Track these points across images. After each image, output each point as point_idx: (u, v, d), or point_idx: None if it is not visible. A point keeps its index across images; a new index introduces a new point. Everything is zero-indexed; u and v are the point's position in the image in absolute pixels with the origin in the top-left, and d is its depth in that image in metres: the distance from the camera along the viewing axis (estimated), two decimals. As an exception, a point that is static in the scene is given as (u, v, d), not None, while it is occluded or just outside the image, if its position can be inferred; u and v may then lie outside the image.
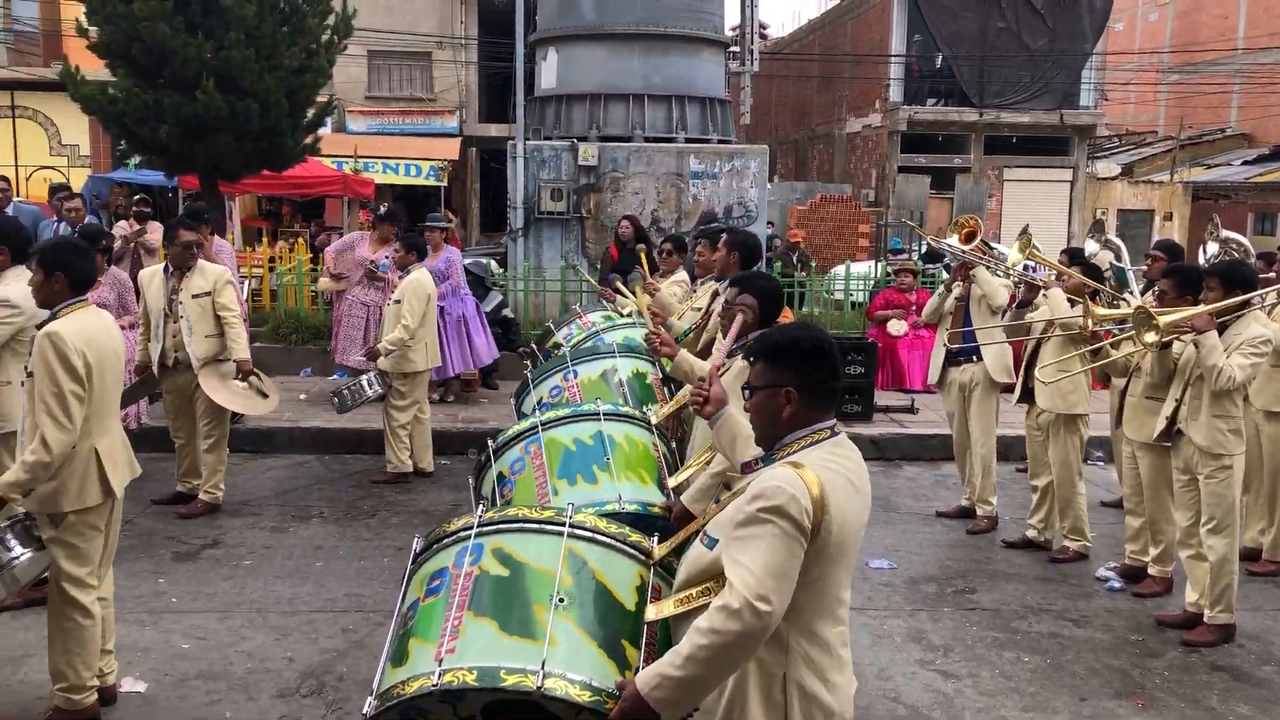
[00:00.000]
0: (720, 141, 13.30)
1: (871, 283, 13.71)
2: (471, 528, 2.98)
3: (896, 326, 11.34)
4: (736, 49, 15.09)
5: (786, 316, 11.19)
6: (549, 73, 13.62)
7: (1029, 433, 6.84)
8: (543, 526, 2.96)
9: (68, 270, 4.14)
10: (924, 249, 16.84)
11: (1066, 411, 6.41)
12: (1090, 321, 5.91)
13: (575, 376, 5.44)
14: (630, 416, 4.45)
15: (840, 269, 13.89)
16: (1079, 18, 25.84)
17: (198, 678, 4.72)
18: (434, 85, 27.44)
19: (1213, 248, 7.90)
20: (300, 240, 17.11)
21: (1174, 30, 37.52)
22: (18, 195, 17.77)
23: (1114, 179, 30.21)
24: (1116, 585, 6.11)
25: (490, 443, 4.33)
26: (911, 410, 9.92)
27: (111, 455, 4.23)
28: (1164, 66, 35.34)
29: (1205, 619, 5.38)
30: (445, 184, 24.76)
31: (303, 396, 9.93)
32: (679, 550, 2.95)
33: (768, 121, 35.82)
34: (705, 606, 2.52)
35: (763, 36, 31.18)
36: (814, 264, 14.52)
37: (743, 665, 2.52)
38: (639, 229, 10.41)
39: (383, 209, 11.16)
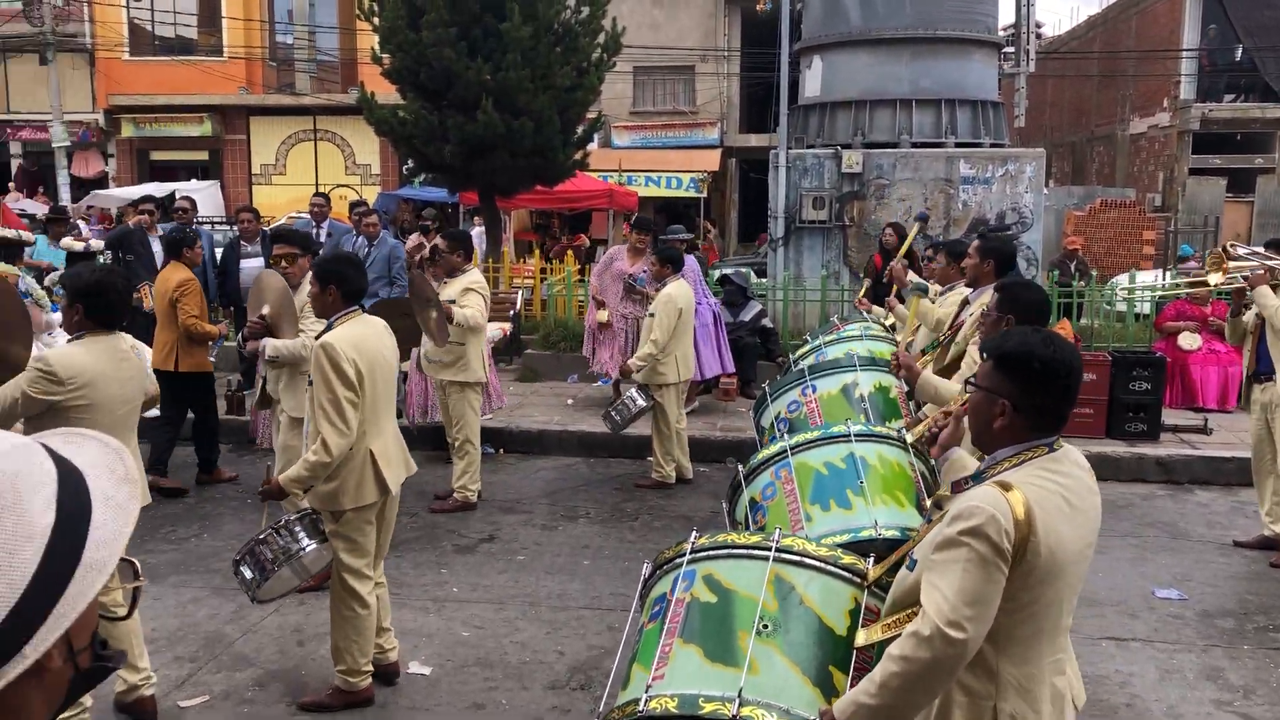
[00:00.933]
0: (993, 145, 12.79)
1: (1158, 293, 12.79)
2: (684, 555, 3.01)
3: (1189, 340, 10.51)
4: (1010, 49, 14.47)
5: (1064, 329, 10.64)
6: (813, 80, 13.54)
7: None
8: (750, 552, 2.94)
9: (341, 283, 4.48)
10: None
11: None
12: None
13: (814, 391, 5.33)
14: (883, 436, 4.27)
15: (1123, 278, 13.04)
16: (1407, -2, 23.17)
17: (476, 664, 4.99)
18: (696, 98, 27.88)
19: None
20: (569, 253, 17.79)
21: None
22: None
23: None
24: None
25: (740, 467, 4.28)
26: (1204, 430, 9.16)
27: (386, 455, 4.52)
28: None
29: None
30: (705, 195, 25.11)
31: (570, 401, 10.31)
32: (897, 569, 2.83)
33: (1042, 123, 34.14)
34: None
35: (1038, 36, 29.77)
36: (1094, 273, 13.70)
37: (939, 692, 2.40)
38: (902, 237, 10.14)
39: (634, 217, 11.30)
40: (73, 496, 1.09)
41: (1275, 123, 23.98)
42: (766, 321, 11.23)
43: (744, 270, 12.86)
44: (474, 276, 7.24)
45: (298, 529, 4.39)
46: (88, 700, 3.96)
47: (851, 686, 2.59)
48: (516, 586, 5.97)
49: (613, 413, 7.74)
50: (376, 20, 12.96)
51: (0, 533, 1.01)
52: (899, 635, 2.48)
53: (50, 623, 1.03)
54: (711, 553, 2.98)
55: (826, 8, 13.36)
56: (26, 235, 8.86)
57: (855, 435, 4.16)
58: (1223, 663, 5.08)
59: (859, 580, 2.89)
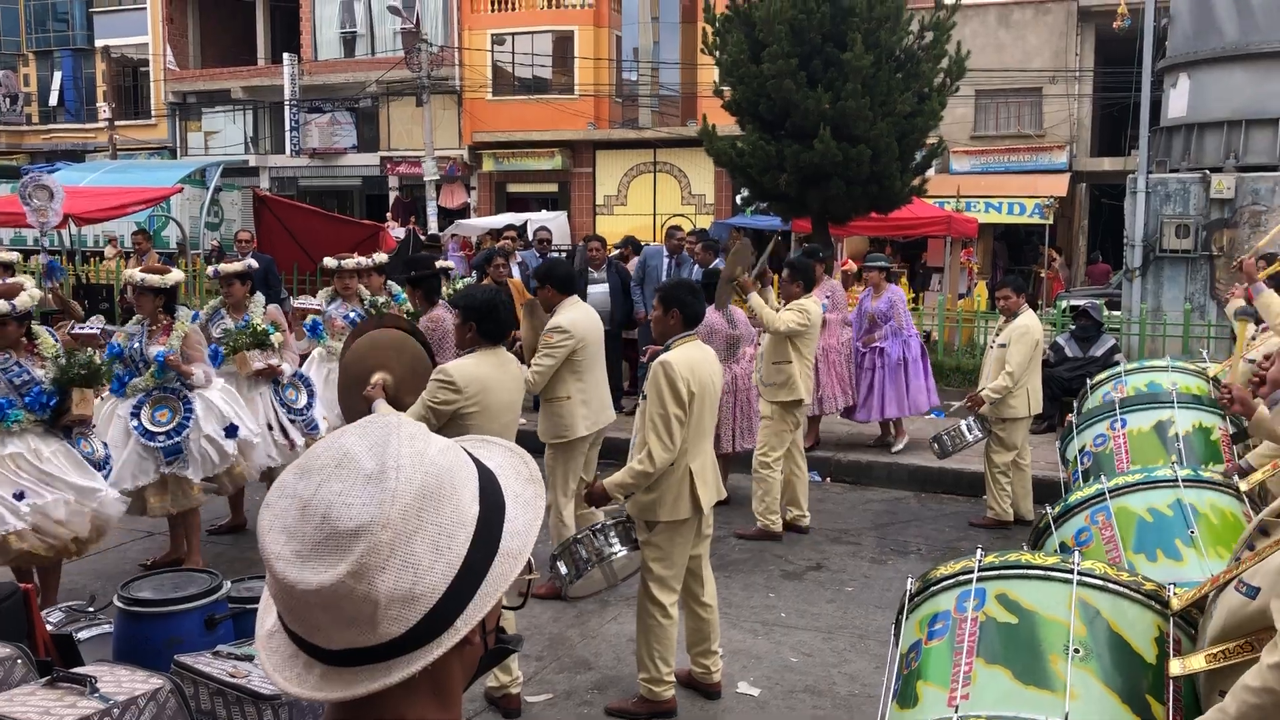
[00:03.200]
0: None
1: None
2: (972, 571, 2.91)
3: None
4: None
5: None
6: (1178, 100, 12.57)
7: None
8: (1048, 573, 2.84)
9: (682, 308, 4.68)
10: None
11: None
12: None
13: (1123, 426, 4.95)
14: (1215, 482, 3.88)
15: None
16: None
17: (804, 691, 4.99)
18: (1043, 121, 26.59)
19: None
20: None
21: None
22: (654, 240, 20.27)
23: None
24: None
25: (1049, 509, 4.00)
26: None
27: (703, 475, 4.68)
28: None
29: None
30: (1050, 221, 23.85)
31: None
32: (1199, 602, 2.66)
33: None
34: (1244, 663, 2.32)
35: None
36: None
37: None
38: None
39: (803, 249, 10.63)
40: (492, 492, 1.22)
41: None
42: (1119, 357, 10.50)
43: (1097, 302, 12.08)
44: (801, 302, 7.27)
45: (612, 534, 4.63)
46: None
47: (1171, 717, 2.51)
48: (845, 617, 5.93)
49: (944, 436, 7.53)
50: (719, 54, 13.37)
51: (440, 518, 1.15)
52: (1227, 666, 2.40)
53: (477, 601, 1.17)
54: (1004, 572, 2.90)
55: (1197, 21, 12.38)
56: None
57: (1183, 480, 3.81)
58: None
59: (1162, 608, 2.77)
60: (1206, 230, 11.38)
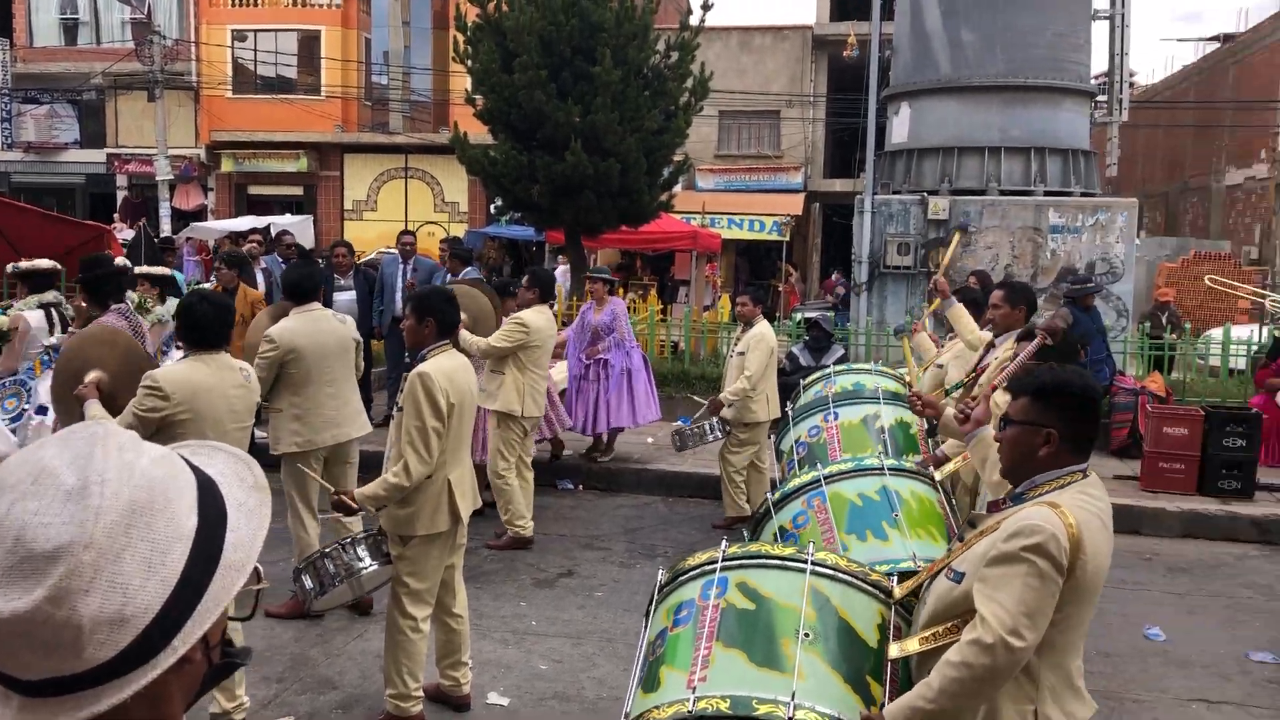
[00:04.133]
0: (1083, 194, 12.65)
1: (1254, 348, 12.45)
2: (716, 561, 3.08)
3: (1287, 397, 10.20)
4: (1103, 98, 14.32)
5: (1154, 382, 10.40)
6: (900, 127, 13.54)
7: None
8: (785, 563, 3.04)
9: (438, 317, 4.62)
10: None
11: None
12: None
13: (835, 419, 5.41)
14: (915, 472, 4.36)
15: (1216, 332, 12.73)
16: None
17: (554, 698, 5.03)
18: (781, 142, 28.00)
19: None
20: (651, 292, 17.95)
21: None
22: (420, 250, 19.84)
23: None
24: None
25: (770, 495, 4.30)
26: (1303, 491, 8.89)
27: (461, 486, 4.64)
28: None
29: None
30: (787, 239, 25.13)
31: (650, 440, 10.36)
32: (918, 590, 2.96)
33: (1134, 174, 33.58)
34: (951, 643, 2.58)
35: (1131, 85, 29.37)
36: (1186, 326, 13.40)
37: (989, 699, 2.55)
38: (986, 285, 10.06)
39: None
40: (211, 502, 1.17)
41: (1380, 176, 23.30)
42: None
43: (829, 314, 12.84)
44: (519, 315, 7.27)
45: (361, 548, 4.51)
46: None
47: (889, 697, 2.72)
48: (594, 622, 6.02)
49: (687, 432, 7.82)
50: (470, 63, 13.30)
51: (153, 534, 1.09)
52: (937, 648, 2.65)
53: (195, 619, 1.11)
54: (745, 561, 3.08)
55: (916, 55, 13.38)
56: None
57: (888, 469, 4.23)
58: (1320, 731, 4.92)
59: (885, 597, 3.02)
60: (924, 248, 12.32)
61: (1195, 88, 29.97)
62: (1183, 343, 12.25)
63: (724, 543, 3.19)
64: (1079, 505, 2.62)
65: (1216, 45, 29.79)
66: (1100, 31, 13.81)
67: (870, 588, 3.03)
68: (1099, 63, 14.28)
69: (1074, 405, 2.71)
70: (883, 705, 2.68)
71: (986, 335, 6.06)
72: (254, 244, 10.30)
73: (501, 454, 7.29)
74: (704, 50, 14.67)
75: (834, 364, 10.64)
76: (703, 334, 13.01)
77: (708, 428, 7.79)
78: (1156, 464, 9.01)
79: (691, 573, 3.15)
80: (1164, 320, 13.58)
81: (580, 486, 9.15)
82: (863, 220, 12.59)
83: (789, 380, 9.91)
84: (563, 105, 12.59)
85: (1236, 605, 6.70)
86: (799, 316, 13.91)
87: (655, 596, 3.23)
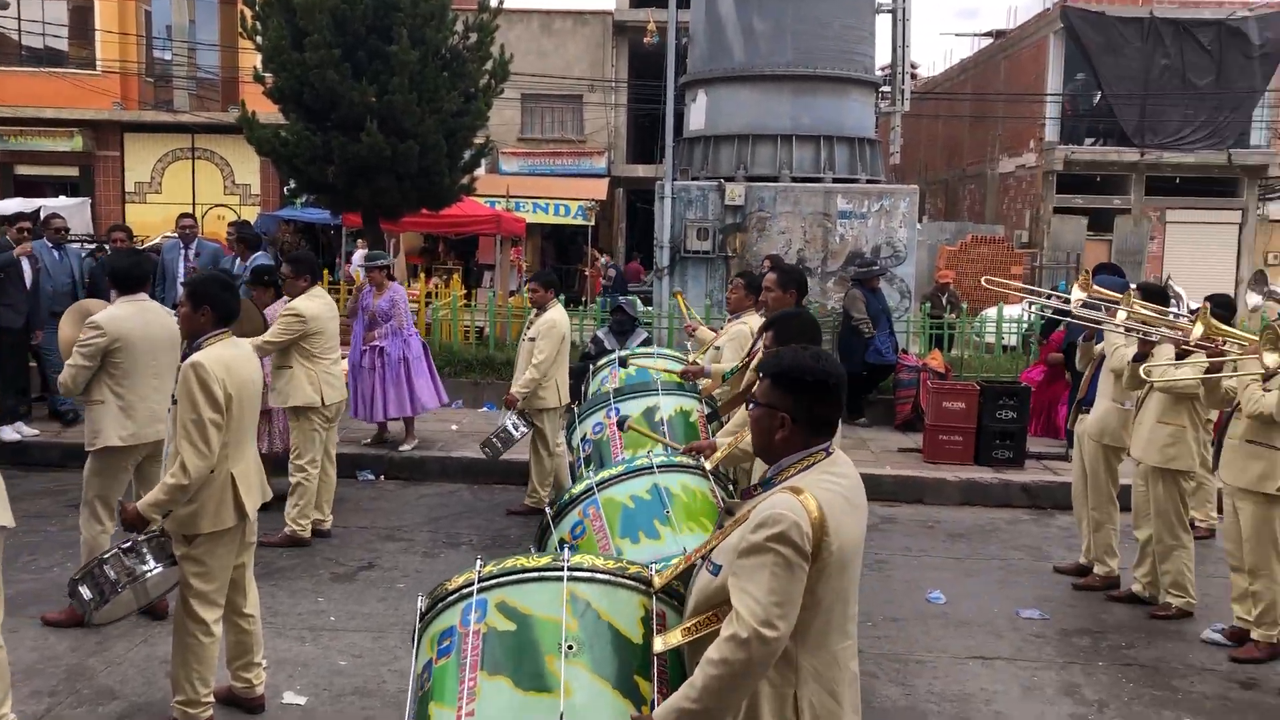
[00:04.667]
0: (869, 181, 13.23)
1: (1024, 325, 13.36)
2: (473, 584, 2.92)
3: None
4: (886, 89, 15.01)
5: (934, 359, 11.00)
6: (697, 114, 13.81)
7: (1134, 483, 6.45)
8: (542, 574, 2.92)
9: (214, 304, 4.41)
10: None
11: (1163, 465, 6.05)
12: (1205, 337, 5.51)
13: (617, 413, 5.42)
14: (685, 466, 4.38)
15: (992, 311, 13.58)
16: (1250, 54, 24.76)
17: (354, 694, 4.92)
18: (584, 127, 28.10)
19: (1254, 299, 7.26)
20: (455, 276, 17.72)
21: (1356, 65, 35.49)
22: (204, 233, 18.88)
23: (1288, 221, 28.66)
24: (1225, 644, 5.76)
25: (548, 510, 4.23)
26: (1066, 458, 9.59)
27: (246, 479, 4.46)
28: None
29: None
30: (592, 223, 25.28)
31: (454, 427, 10.25)
32: (686, 575, 2.94)
33: (917, 161, 35.35)
34: (714, 634, 2.59)
35: (913, 76, 30.87)
36: (964, 305, 14.24)
37: (752, 689, 2.58)
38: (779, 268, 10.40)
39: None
40: None
41: (1131, 166, 25.33)
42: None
43: (632, 298, 12.98)
44: (292, 304, 6.97)
45: (145, 550, 4.28)
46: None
47: (657, 693, 2.71)
48: (396, 614, 5.91)
49: (494, 439, 7.72)
50: (259, 39, 12.76)
51: None
52: (700, 638, 2.65)
53: None
54: (502, 579, 2.93)
55: (711, 44, 13.66)
56: None
57: (658, 466, 4.22)
58: (1080, 679, 5.33)
59: (646, 588, 2.97)
60: (722, 234, 12.62)
61: (972, 80, 31.78)
62: (961, 322, 13.01)
63: (478, 562, 3.04)
64: (823, 486, 2.64)
65: (990, 40, 31.65)
66: (884, 25, 14.45)
67: (629, 581, 2.96)
68: (884, 55, 14.94)
69: (807, 388, 2.71)
70: (653, 703, 2.65)
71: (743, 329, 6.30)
72: (22, 230, 9.31)
73: (303, 448, 7.05)
74: (504, 32, 14.56)
75: (638, 347, 10.84)
76: (508, 319, 12.93)
77: (510, 426, 7.69)
78: (937, 437, 9.55)
79: (450, 598, 2.97)
80: (944, 301, 14.39)
81: (382, 477, 8.97)
82: (663, 205, 12.78)
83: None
84: (357, 85, 12.25)
85: (1009, 567, 7.18)
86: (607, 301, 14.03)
87: (417, 626, 3.06)
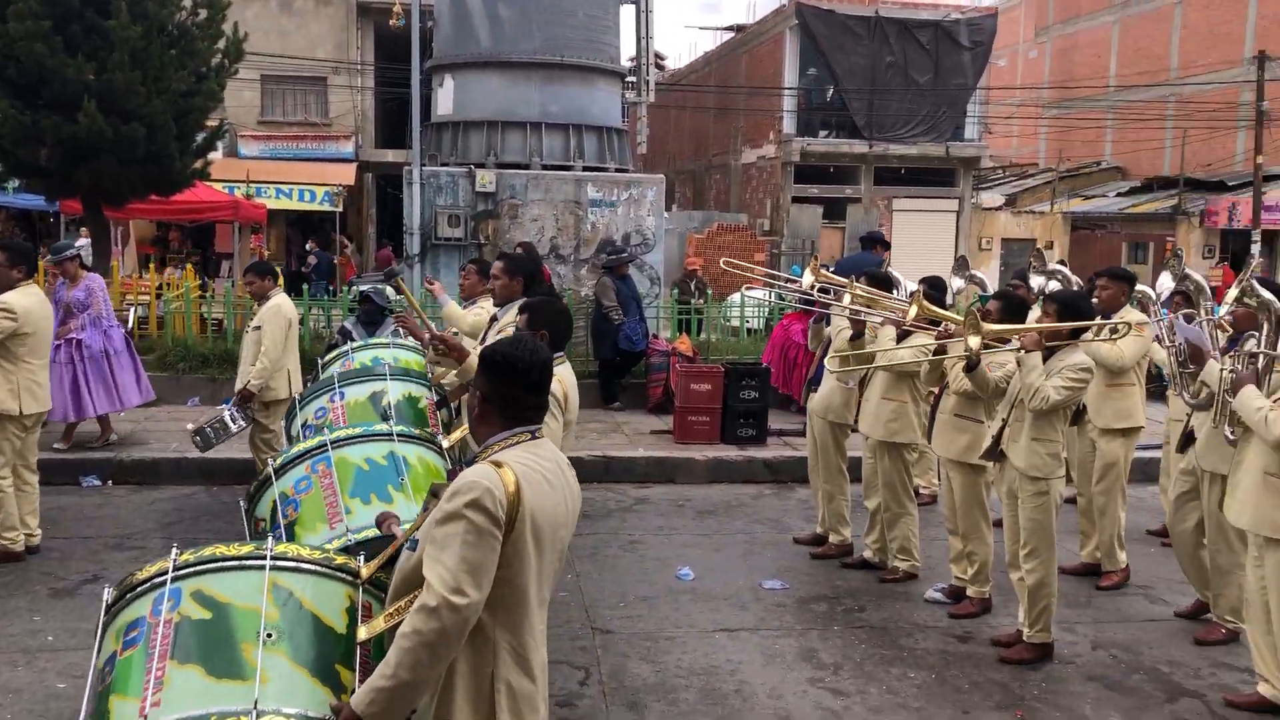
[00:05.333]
0: (618, 170, 13.44)
1: (766, 310, 13.96)
2: (167, 572, 2.85)
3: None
4: (633, 79, 15.29)
5: (683, 344, 11.30)
6: (445, 99, 13.61)
7: (864, 456, 6.85)
8: (243, 563, 2.88)
9: None
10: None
11: (888, 439, 6.48)
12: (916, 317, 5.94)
13: (342, 399, 5.32)
14: (423, 439, 4.42)
15: (737, 296, 14.10)
16: (962, 54, 26.81)
17: (73, 718, 4.56)
18: (329, 110, 27.13)
19: (958, 283, 8.04)
20: (190, 267, 16.73)
21: (1052, 67, 39.17)
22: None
23: (998, 209, 31.30)
24: (944, 602, 6.21)
25: (271, 462, 4.17)
26: (802, 434, 10.10)
27: None
28: (1043, 102, 36.82)
29: (1024, 638, 5.45)
30: (341, 210, 24.47)
31: (189, 426, 9.66)
32: (392, 565, 2.95)
33: (666, 151, 36.25)
34: None
35: (660, 68, 31.62)
36: (710, 291, 14.73)
37: (447, 661, 2.59)
38: (534, 256, 10.46)
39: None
40: None
41: (861, 158, 26.92)
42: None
43: (381, 286, 12.64)
44: (6, 297, 6.35)
45: None
46: None
47: (360, 681, 2.69)
48: (125, 628, 5.52)
49: (207, 429, 7.17)
50: (-46, 6, 11.57)
51: None
52: (400, 623, 2.63)
53: None
54: (199, 568, 2.86)
55: (457, 28, 13.49)
56: None
57: (397, 435, 4.24)
58: (817, 644, 5.63)
59: (353, 579, 2.97)
60: (474, 220, 12.51)
61: (715, 73, 32.85)
62: (708, 307, 13.45)
63: (174, 550, 2.93)
64: (523, 463, 2.69)
65: (732, 34, 32.82)
66: (629, 16, 14.70)
67: (335, 572, 2.95)
68: (630, 46, 15.21)
69: (505, 373, 2.80)
70: (354, 691, 2.63)
71: (483, 314, 6.28)
72: None
73: None
74: (239, 10, 13.83)
75: (389, 336, 10.56)
76: (248, 310, 12.30)
77: (228, 418, 7.23)
78: (686, 418, 9.84)
79: (141, 588, 2.84)
80: (692, 287, 14.83)
81: (110, 482, 8.37)
82: (412, 191, 12.54)
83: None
84: (72, 61, 11.34)
85: (753, 540, 7.49)
86: (354, 291, 13.63)
87: (102, 618, 2.90)
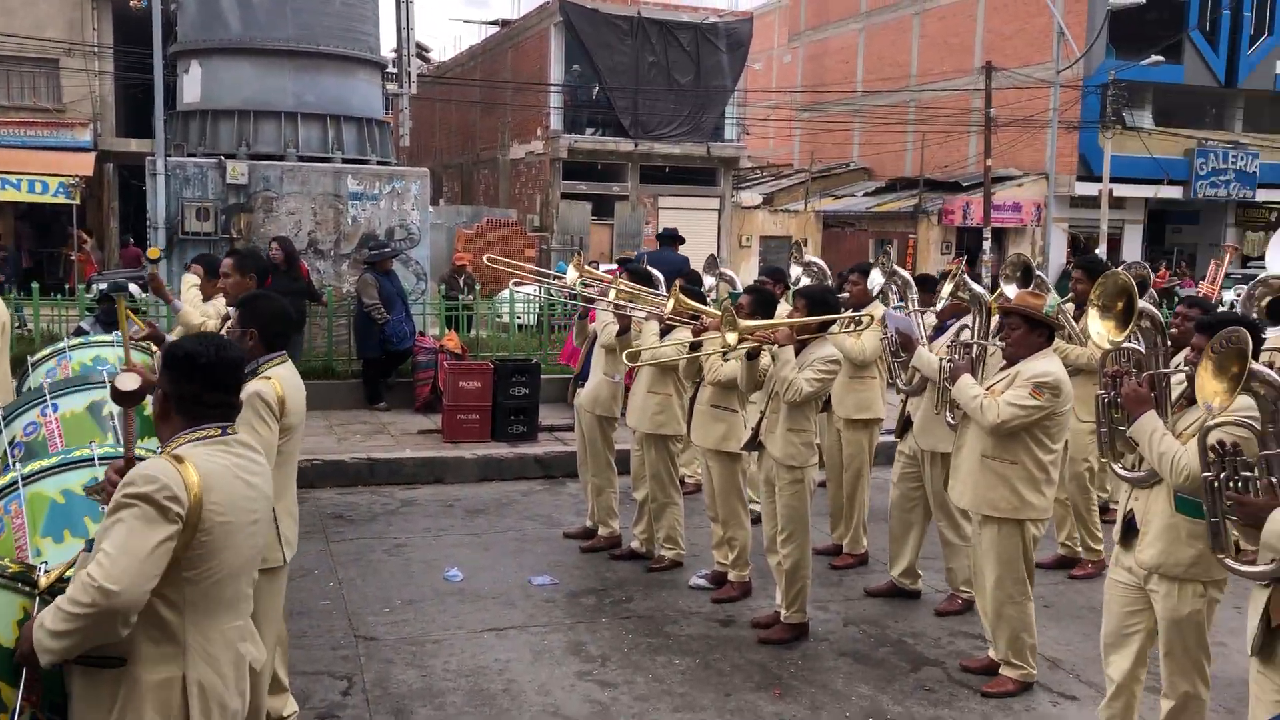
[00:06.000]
0: (380, 163, 13.11)
1: (538, 306, 13.96)
2: None
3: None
4: (395, 71, 14.93)
5: (450, 340, 11.15)
6: (192, 86, 12.89)
7: (631, 448, 6.99)
8: None
9: None
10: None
11: (654, 431, 6.61)
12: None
13: (55, 411, 4.75)
14: (135, 459, 4.07)
15: (507, 292, 14.03)
16: (721, 56, 27.70)
17: None
18: (62, 95, 25.17)
19: (796, 270, 8.48)
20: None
21: (804, 72, 41.06)
22: None
23: (756, 208, 32.55)
24: (708, 588, 6.41)
25: None
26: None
27: None
28: (796, 105, 38.56)
29: (781, 618, 5.68)
30: (79, 202, 22.74)
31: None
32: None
33: (432, 145, 35.68)
34: None
35: (424, 59, 31.06)
36: (479, 287, 14.60)
37: (95, 641, 2.53)
38: (290, 252, 10.06)
39: None
40: None
41: (627, 156, 27.38)
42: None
43: (128, 285, 11.87)
44: None
45: None
46: None
47: (22, 698, 2.60)
48: None
49: None
50: None
51: None
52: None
53: None
54: None
55: (203, 11, 12.80)
56: None
57: (99, 458, 3.82)
58: (585, 637, 5.67)
59: (30, 589, 2.81)
60: (226, 214, 11.89)
61: (481, 67, 32.60)
62: (477, 303, 13.33)
63: None
64: (211, 459, 2.69)
65: (497, 29, 32.65)
66: (390, 6, 14.37)
67: (10, 582, 2.77)
68: (393, 37, 14.87)
69: (179, 369, 2.78)
70: (14, 713, 2.57)
71: (210, 311, 5.98)
72: None
73: None
74: (-51, -19, 12.59)
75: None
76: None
77: None
78: (455, 416, 9.71)
79: None
80: (461, 283, 14.65)
81: None
82: (156, 183, 11.79)
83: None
84: None
85: (523, 537, 7.48)
86: (96, 287, 12.72)
87: None
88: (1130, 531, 4.07)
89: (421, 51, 27.54)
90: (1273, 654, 3.24)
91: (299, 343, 10.69)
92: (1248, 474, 3.31)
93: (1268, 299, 5.77)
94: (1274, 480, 3.22)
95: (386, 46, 15.33)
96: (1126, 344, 4.19)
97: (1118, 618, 4.19)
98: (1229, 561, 3.39)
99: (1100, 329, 4.17)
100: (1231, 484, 3.35)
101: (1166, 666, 4.03)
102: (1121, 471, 4.19)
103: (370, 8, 13.56)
